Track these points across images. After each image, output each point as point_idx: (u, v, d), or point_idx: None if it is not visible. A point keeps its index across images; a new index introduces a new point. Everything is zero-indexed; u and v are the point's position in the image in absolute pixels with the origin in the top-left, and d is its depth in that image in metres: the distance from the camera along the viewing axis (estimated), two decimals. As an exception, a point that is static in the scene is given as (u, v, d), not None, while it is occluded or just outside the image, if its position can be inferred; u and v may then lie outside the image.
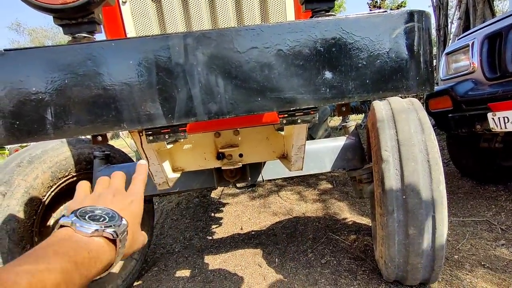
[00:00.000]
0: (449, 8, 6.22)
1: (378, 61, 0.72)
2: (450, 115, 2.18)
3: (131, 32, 1.00)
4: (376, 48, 0.72)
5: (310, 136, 3.49)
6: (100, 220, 0.47)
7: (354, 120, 10.00)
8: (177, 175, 1.24)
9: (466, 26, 4.88)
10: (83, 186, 0.62)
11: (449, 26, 5.71)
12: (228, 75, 0.69)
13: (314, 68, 0.71)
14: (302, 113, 0.74)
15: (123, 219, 0.50)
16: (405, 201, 1.17)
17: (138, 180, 0.64)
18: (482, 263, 1.56)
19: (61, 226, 0.46)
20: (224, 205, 3.38)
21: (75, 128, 0.68)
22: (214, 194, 3.80)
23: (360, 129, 1.91)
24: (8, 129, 0.68)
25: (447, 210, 1.17)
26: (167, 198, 3.90)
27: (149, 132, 0.72)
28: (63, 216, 0.47)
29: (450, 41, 5.22)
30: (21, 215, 1.32)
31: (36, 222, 1.40)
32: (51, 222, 1.61)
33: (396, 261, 1.26)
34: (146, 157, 0.92)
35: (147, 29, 1.02)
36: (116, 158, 1.80)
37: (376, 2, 14.67)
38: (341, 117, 9.73)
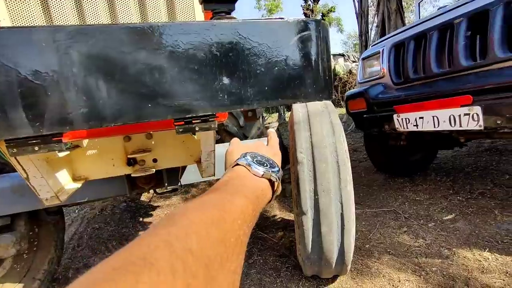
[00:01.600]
0: (370, 16, 6.86)
1: (276, 68, 0.71)
2: (364, 115, 2.39)
3: (4, 20, 0.84)
4: (273, 55, 0.71)
5: (244, 135, 3.50)
6: (265, 165, 0.54)
7: (291, 117, 10.39)
8: (78, 185, 1.10)
9: (382, 33, 5.44)
10: (236, 139, 0.68)
11: (370, 33, 6.31)
12: (112, 78, 0.61)
13: (211, 73, 0.67)
14: (200, 121, 0.70)
15: (279, 167, 0.57)
16: (317, 201, 1.22)
17: (273, 140, 0.69)
18: (388, 250, 1.74)
19: (237, 164, 0.53)
20: (154, 208, 3.20)
21: None
22: (144, 197, 3.57)
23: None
24: None
25: (354, 208, 1.26)
26: (89, 204, 3.53)
27: (11, 143, 0.60)
28: (239, 158, 0.54)
29: (370, 46, 5.77)
30: None
31: None
32: None
33: (312, 258, 1.32)
34: (23, 169, 0.78)
35: (27, 17, 0.86)
36: (9, 166, 1.53)
37: (309, 5, 15.46)
38: (277, 115, 10.06)
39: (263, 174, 0.51)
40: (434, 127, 1.84)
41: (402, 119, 2.02)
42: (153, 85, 0.64)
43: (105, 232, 2.70)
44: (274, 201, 2.81)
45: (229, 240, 0.32)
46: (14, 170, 1.53)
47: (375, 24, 5.98)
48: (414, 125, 1.95)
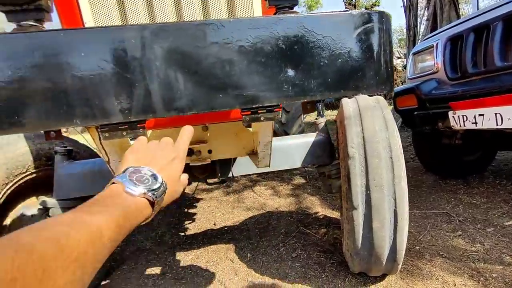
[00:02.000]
0: (419, 8, 6.47)
1: (339, 60, 0.73)
2: (415, 113, 2.28)
3: (89, 21, 0.94)
4: (337, 47, 0.72)
5: (285, 132, 3.52)
6: (145, 182, 0.54)
7: (330, 115, 10.21)
8: (143, 172, 1.20)
9: (433, 27, 5.10)
10: (142, 139, 0.67)
11: (418, 26, 5.95)
12: (188, 71, 0.68)
13: (276, 66, 0.70)
14: (265, 111, 0.74)
15: (163, 182, 0.57)
16: (369, 196, 1.21)
17: (182, 138, 0.67)
18: (441, 253, 1.65)
19: (113, 182, 0.53)
20: (198, 200, 3.34)
21: (21, 124, 0.64)
22: (188, 190, 3.75)
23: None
24: None
25: (408, 205, 1.22)
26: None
27: (105, 129, 0.68)
28: (117, 176, 0.54)
29: (419, 41, 5.43)
30: (-29, 215, 1.23)
31: (-11, 222, 1.31)
32: (7, 221, 1.52)
33: (361, 253, 1.30)
34: (106, 153, 0.89)
35: (107, 18, 0.96)
36: (80, 154, 1.72)
37: (351, 0, 14.95)
38: (316, 113, 9.91)
39: (139, 195, 0.51)
40: (497, 125, 1.70)
41: (458, 116, 1.90)
42: (224, 77, 0.69)
43: (154, 220, 2.89)
44: (314, 198, 2.80)
45: (66, 256, 0.33)
46: (83, 159, 1.71)
47: (424, 18, 5.62)
48: (472, 123, 1.82)
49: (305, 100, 0.73)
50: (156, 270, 1.88)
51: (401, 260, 1.30)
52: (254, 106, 0.71)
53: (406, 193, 1.22)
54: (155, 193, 0.54)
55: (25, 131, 0.65)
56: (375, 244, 1.24)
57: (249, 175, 3.87)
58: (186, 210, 3.05)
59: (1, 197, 1.38)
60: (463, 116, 1.88)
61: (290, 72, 0.71)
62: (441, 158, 2.75)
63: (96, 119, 0.66)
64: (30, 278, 0.28)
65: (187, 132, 0.67)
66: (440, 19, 4.99)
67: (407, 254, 1.68)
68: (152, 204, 0.53)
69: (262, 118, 0.74)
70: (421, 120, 2.26)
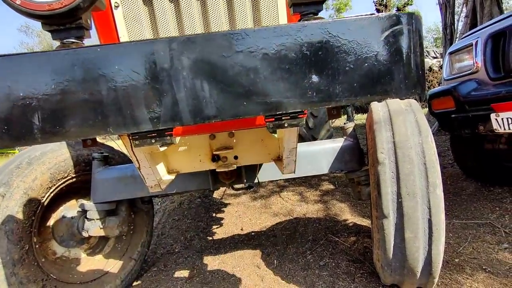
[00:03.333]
0: (456, 5, 6.12)
1: (366, 64, 0.71)
2: (453, 115, 2.15)
3: (123, 36, 1.01)
4: (363, 51, 0.70)
5: (313, 137, 3.47)
6: None
7: (360, 119, 9.92)
8: (172, 177, 1.25)
9: (473, 24, 4.78)
10: None
11: (456, 24, 5.62)
12: (214, 80, 0.69)
13: (301, 72, 0.70)
14: (289, 117, 0.74)
15: None
16: (401, 204, 1.15)
17: None
18: (484, 267, 1.53)
19: None
20: (225, 205, 3.38)
21: (62, 132, 0.69)
22: (216, 195, 3.81)
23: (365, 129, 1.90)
24: (-3, 134, 0.68)
25: (444, 214, 1.15)
26: (169, 198, 3.92)
27: (136, 136, 0.72)
28: None
29: (457, 39, 5.13)
30: (19, 216, 1.34)
31: (35, 222, 1.42)
32: (50, 222, 1.64)
33: (393, 265, 1.24)
34: (137, 160, 0.93)
35: (140, 33, 1.02)
36: (115, 159, 1.82)
37: (382, 0, 14.49)
38: (345, 117, 9.64)
39: None
40: (547, 128, 1.56)
41: (502, 119, 1.76)
42: (249, 85, 0.70)
43: (183, 223, 2.97)
44: (343, 205, 2.72)
45: None
46: (118, 164, 1.80)
47: (463, 15, 5.30)
48: (518, 126, 1.68)
49: (330, 106, 0.72)
50: (184, 273, 1.92)
51: (437, 273, 1.22)
52: (278, 113, 0.71)
53: (442, 202, 1.15)
54: None
55: (65, 139, 0.70)
56: (408, 255, 1.18)
57: (276, 180, 3.86)
58: (214, 214, 3.10)
59: (46, 200, 1.49)
60: (507, 118, 1.74)
61: (315, 78, 0.70)
62: (483, 163, 2.55)
63: (128, 127, 0.69)
64: None
65: None
66: (480, 15, 4.67)
67: (445, 267, 1.57)
68: None
69: (286, 125, 0.74)
70: (460, 123, 2.12)
